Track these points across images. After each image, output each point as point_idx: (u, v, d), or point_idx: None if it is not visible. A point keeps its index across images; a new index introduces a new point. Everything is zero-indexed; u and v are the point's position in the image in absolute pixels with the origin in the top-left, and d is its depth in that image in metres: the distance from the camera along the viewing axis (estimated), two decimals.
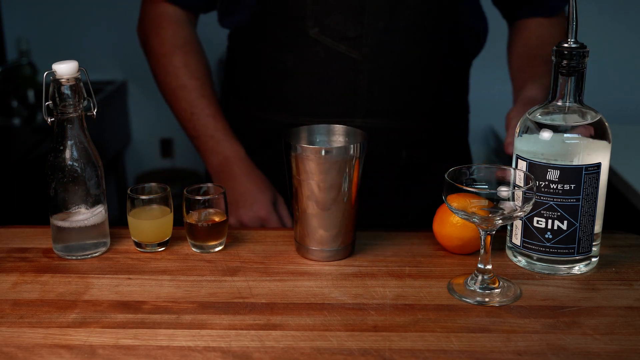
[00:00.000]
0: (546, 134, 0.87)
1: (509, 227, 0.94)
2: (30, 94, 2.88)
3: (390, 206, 1.24)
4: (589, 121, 0.87)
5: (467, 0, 1.20)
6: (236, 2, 1.21)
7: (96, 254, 0.96)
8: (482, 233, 0.84)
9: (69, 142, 0.92)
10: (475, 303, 0.84)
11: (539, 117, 0.89)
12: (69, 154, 0.92)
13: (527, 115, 0.90)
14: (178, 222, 0.99)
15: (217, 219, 0.97)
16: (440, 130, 1.25)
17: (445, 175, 0.83)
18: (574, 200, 0.87)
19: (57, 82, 0.90)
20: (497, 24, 1.38)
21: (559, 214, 0.88)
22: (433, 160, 1.24)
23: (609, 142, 0.88)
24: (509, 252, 0.95)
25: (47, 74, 0.91)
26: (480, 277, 0.87)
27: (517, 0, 1.27)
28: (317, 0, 1.13)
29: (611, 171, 2.12)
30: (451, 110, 1.28)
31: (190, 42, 1.25)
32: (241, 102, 1.27)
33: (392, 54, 1.15)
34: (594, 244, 0.90)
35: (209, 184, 0.99)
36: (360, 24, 1.13)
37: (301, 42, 1.15)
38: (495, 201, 0.82)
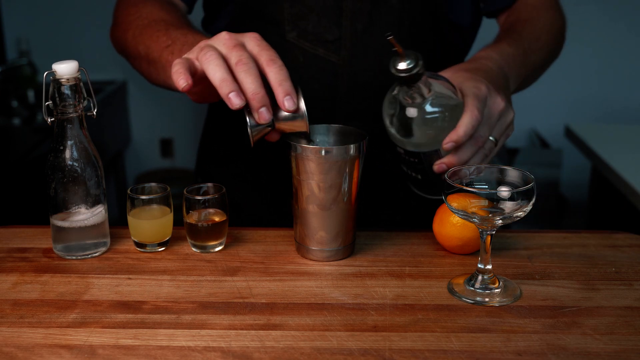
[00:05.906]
0: None
1: None
2: (30, 94, 2.89)
3: (379, 208, 1.23)
4: None
5: None
6: (218, 9, 1.20)
7: (96, 254, 0.96)
8: (482, 233, 0.84)
9: (69, 142, 0.92)
10: (475, 303, 0.84)
11: None
12: (69, 154, 0.92)
13: None
14: (178, 222, 0.99)
15: (217, 219, 0.97)
16: None
17: (445, 175, 0.84)
18: None
19: (57, 82, 0.90)
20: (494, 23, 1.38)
21: None
22: None
23: None
24: None
25: (47, 74, 0.91)
26: (480, 277, 0.87)
27: None
28: (294, 3, 1.11)
29: (611, 171, 2.12)
30: None
31: (166, 2, 1.16)
32: (223, 109, 1.26)
33: (371, 56, 1.13)
34: None
35: (209, 184, 0.99)
36: (338, 26, 1.11)
37: (279, 47, 1.13)
38: (495, 201, 0.82)
